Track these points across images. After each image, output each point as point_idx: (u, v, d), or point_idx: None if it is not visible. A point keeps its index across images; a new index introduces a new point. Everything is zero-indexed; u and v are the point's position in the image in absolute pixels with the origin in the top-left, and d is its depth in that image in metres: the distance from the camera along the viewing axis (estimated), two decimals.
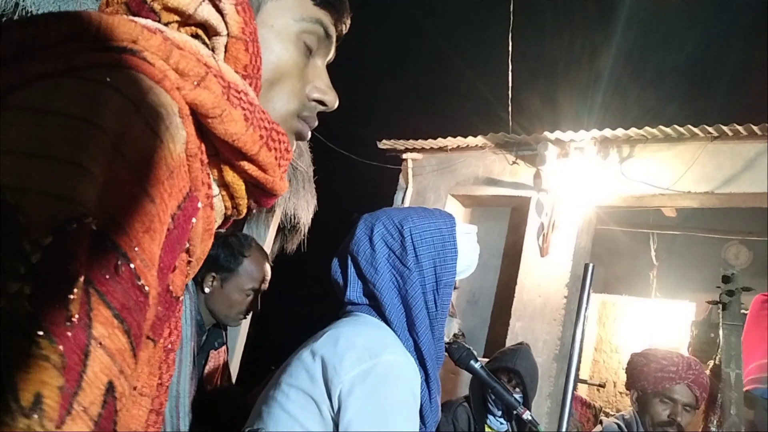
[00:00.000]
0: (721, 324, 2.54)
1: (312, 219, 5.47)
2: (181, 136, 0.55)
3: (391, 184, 6.91)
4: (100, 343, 0.44)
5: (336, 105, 0.77)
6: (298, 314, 7.84)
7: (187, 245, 0.60)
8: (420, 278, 1.42)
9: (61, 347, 0.41)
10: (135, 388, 0.54)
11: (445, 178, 6.57)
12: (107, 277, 0.45)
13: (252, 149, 0.63)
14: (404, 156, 6.83)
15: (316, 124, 0.78)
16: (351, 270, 1.48)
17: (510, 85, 6.31)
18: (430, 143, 6.63)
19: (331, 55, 0.80)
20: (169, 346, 0.61)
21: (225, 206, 0.69)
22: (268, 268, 2.26)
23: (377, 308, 1.43)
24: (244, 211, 0.70)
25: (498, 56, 6.18)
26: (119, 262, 0.46)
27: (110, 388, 0.45)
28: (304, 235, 5.59)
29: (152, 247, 0.50)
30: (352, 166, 7.23)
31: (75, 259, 0.43)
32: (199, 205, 0.58)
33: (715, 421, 3.33)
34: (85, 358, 0.43)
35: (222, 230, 0.73)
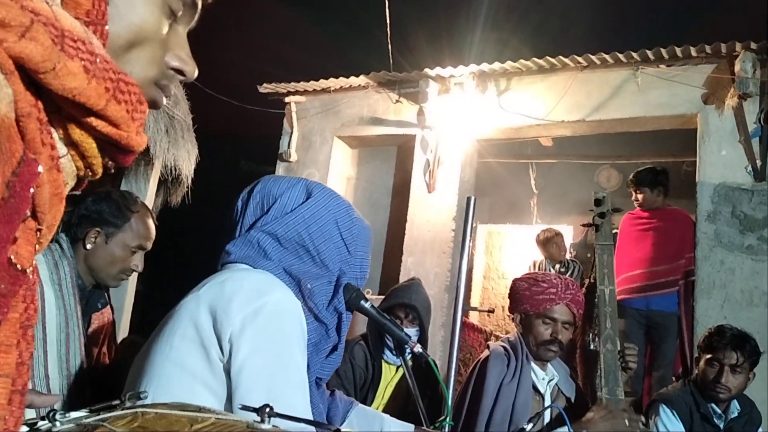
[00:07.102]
0: (595, 244, 2.71)
1: (195, 169, 5.29)
2: (6, 95, 0.50)
3: (276, 129, 6.76)
4: None
5: (195, 76, 0.74)
6: (186, 268, 7.66)
7: (31, 212, 0.55)
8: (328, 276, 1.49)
9: None
10: None
11: (330, 120, 6.50)
12: None
13: (98, 103, 0.57)
14: (287, 99, 6.67)
15: (172, 93, 0.74)
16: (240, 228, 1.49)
17: (388, 21, 6.27)
18: (312, 85, 6.51)
19: (193, 23, 0.76)
20: (26, 322, 0.57)
21: (77, 167, 0.63)
22: (153, 226, 2.21)
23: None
24: (100, 170, 0.65)
25: None
26: None
27: None
28: (187, 187, 5.41)
29: None
30: (234, 113, 7.00)
31: None
32: (40, 169, 0.54)
33: (591, 335, 3.60)
34: None
35: (77, 192, 0.68)
